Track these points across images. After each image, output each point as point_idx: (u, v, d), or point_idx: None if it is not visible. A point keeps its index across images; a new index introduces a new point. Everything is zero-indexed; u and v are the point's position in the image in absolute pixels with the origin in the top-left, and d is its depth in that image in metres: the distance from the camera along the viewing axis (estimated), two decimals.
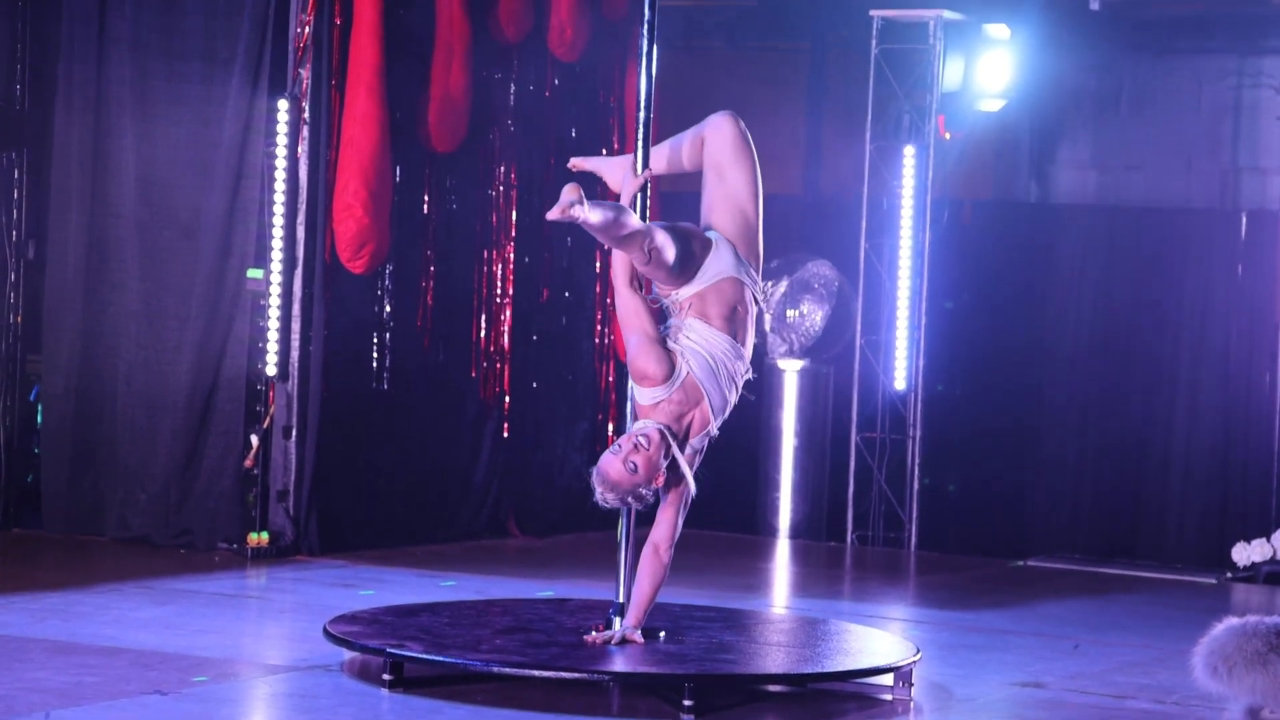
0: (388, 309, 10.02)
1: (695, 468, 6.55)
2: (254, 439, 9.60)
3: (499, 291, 10.57)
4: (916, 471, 11.36)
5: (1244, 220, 11.93)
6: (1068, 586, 10.03)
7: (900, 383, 11.40)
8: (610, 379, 11.04)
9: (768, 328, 11.56)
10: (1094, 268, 12.33)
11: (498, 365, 10.58)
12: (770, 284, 11.60)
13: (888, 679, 6.72)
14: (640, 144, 6.77)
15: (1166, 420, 12.01)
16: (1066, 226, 12.46)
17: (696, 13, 12.67)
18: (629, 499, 6.45)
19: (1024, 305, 12.36)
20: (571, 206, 6.03)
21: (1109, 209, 12.51)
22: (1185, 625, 7.89)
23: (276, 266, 9.53)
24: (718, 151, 6.55)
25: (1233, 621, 6.00)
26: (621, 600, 6.78)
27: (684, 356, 6.45)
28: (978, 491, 12.24)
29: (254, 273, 9.57)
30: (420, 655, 6.46)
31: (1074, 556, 11.28)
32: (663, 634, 6.79)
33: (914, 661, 6.75)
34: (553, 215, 6.10)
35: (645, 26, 6.87)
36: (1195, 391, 11.97)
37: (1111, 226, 12.36)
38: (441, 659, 6.44)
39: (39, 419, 10.08)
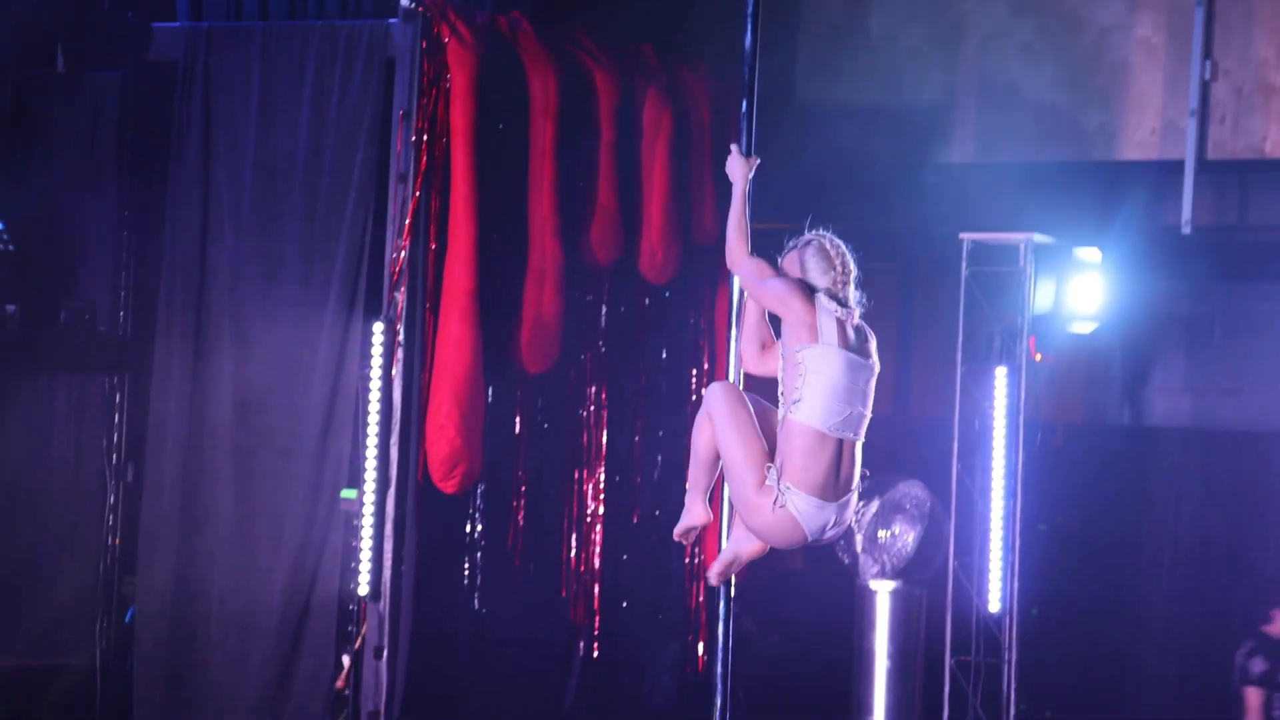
0: (479, 529, 10.06)
1: None
2: (345, 659, 9.61)
3: (589, 511, 10.60)
4: (1013, 696, 11.18)
5: None
6: None
7: (994, 605, 11.27)
8: (700, 599, 11.00)
9: (859, 548, 11.50)
10: (1190, 491, 12.23)
11: (588, 585, 10.57)
12: (862, 504, 11.57)
13: None
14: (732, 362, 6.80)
15: None
16: (1161, 450, 12.39)
17: (786, 234, 12.79)
18: None
19: (1119, 528, 12.25)
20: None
21: (1204, 433, 12.43)
22: None
23: (370, 486, 9.60)
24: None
25: None
26: None
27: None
28: (1076, 717, 12.03)
29: (348, 493, 9.65)
30: None
31: None
32: None
33: None
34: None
35: None
36: None
37: (1207, 451, 12.28)
38: None
39: (134, 640, 10.14)
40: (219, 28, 10.03)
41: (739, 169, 6.44)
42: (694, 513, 6.59)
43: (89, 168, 10.10)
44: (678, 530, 6.70)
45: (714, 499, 6.68)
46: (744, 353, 6.58)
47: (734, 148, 6.48)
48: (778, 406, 6.32)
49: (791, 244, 6.45)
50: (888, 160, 12.13)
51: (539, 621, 10.35)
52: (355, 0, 10.40)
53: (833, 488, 6.27)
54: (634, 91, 10.61)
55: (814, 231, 6.45)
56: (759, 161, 6.48)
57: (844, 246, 6.42)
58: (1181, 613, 12.10)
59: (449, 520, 9.91)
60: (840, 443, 6.27)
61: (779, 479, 6.22)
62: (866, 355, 6.38)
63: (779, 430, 6.29)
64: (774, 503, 6.22)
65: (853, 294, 6.40)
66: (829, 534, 6.39)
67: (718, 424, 6.41)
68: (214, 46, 9.92)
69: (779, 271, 6.36)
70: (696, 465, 6.54)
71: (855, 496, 6.43)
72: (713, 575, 6.48)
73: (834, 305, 6.31)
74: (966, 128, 12.29)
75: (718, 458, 6.46)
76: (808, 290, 6.29)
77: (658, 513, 10.97)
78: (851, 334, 6.32)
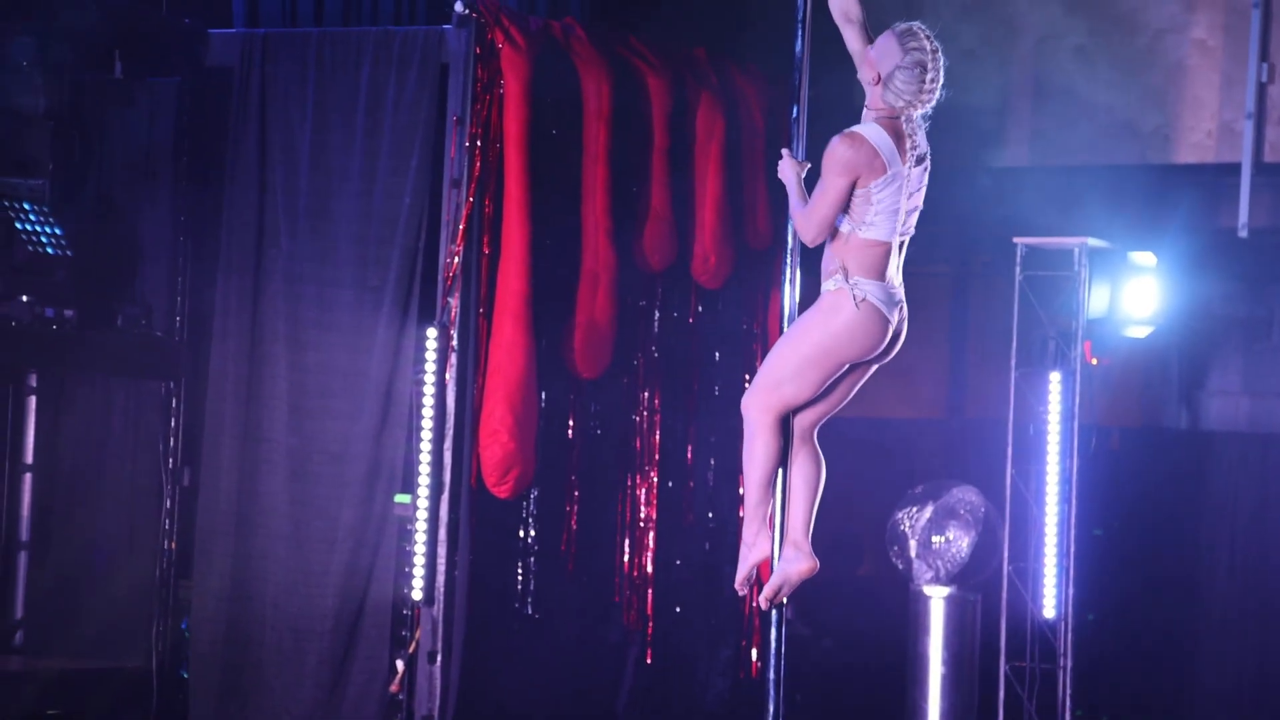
0: (532, 533, 10.08)
1: None
2: (399, 664, 9.63)
3: (642, 516, 10.61)
4: (1069, 703, 11.13)
5: None
6: None
7: (1049, 611, 11.22)
8: (754, 604, 10.98)
9: (913, 554, 11.47)
10: (1248, 496, 12.17)
11: (641, 590, 10.58)
12: (915, 509, 11.55)
13: None
14: None
15: None
16: (1218, 454, 12.32)
17: None
18: None
19: (1175, 533, 12.19)
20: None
21: (1263, 437, 12.36)
22: None
23: (423, 491, 9.62)
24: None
25: None
26: None
27: None
28: None
29: (401, 498, 9.68)
30: None
31: None
32: None
33: None
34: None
35: (789, 254, 6.93)
36: None
37: (1264, 454, 12.21)
38: None
39: (190, 643, 10.19)
40: (274, 34, 10.08)
41: (791, 172, 6.40)
42: (761, 547, 6.54)
43: (146, 173, 10.15)
44: (742, 576, 6.62)
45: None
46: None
47: (785, 152, 6.45)
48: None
49: (893, 35, 6.21)
50: (942, 163, 12.01)
51: (592, 626, 10.36)
52: (409, 6, 10.43)
53: (890, 271, 6.28)
54: (687, 96, 10.61)
55: (919, 31, 6.22)
56: (809, 165, 6.44)
57: (942, 59, 6.26)
58: (1240, 618, 12.03)
59: (502, 525, 9.93)
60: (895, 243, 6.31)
61: (846, 278, 6.22)
62: (923, 155, 6.31)
63: (839, 240, 6.27)
64: (854, 300, 6.21)
65: (918, 107, 6.26)
66: (900, 317, 6.32)
67: (767, 383, 6.35)
68: (270, 53, 9.97)
69: (832, 168, 6.22)
70: (754, 487, 6.50)
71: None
72: (763, 599, 6.46)
73: (891, 138, 6.22)
74: (1020, 130, 12.25)
75: (776, 474, 6.43)
76: (864, 153, 6.19)
77: (710, 517, 10.97)
78: (910, 141, 6.26)
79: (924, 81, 6.22)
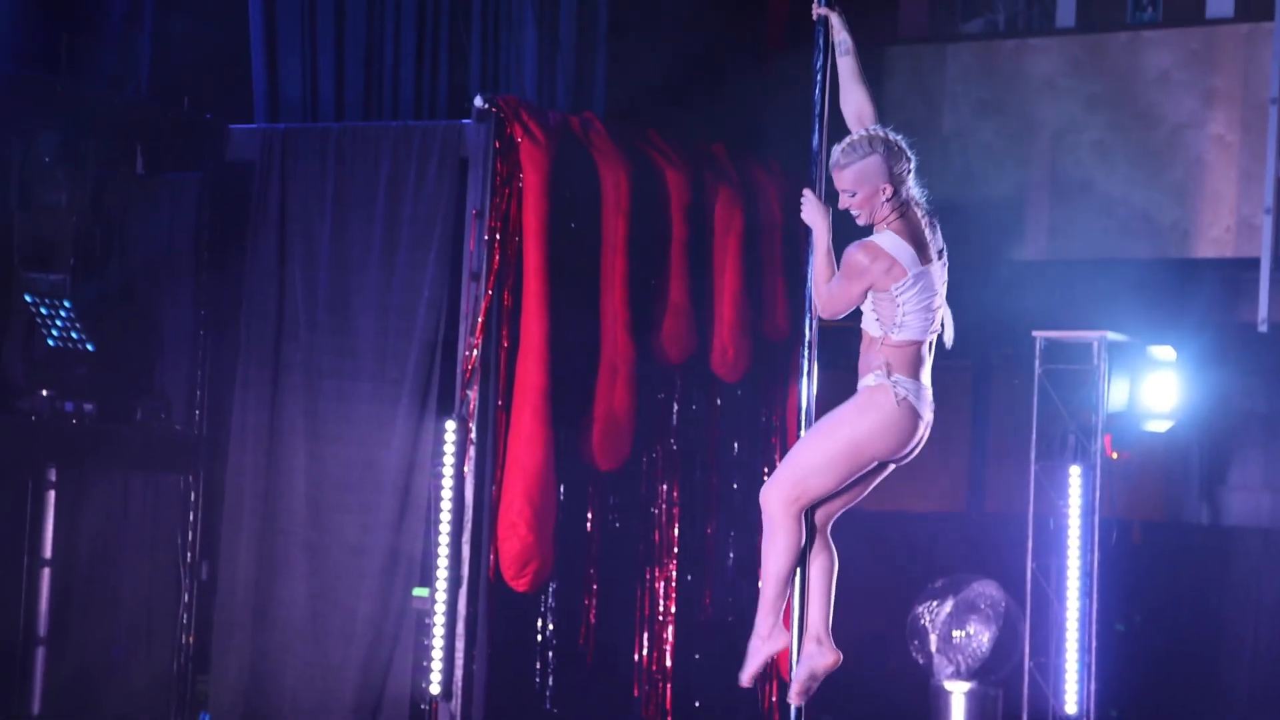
0: (550, 627, 10.04)
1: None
2: None
3: (661, 610, 10.57)
4: None
5: None
6: None
7: (1071, 707, 11.15)
8: (773, 699, 10.93)
9: (933, 648, 11.40)
10: (1270, 591, 12.10)
11: (660, 684, 10.52)
12: (935, 603, 11.49)
13: None
14: None
15: None
16: (1239, 549, 12.27)
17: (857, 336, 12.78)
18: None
19: (1197, 628, 12.11)
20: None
21: None
22: None
23: (441, 585, 9.60)
24: None
25: None
26: None
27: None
28: None
29: (420, 591, 9.66)
30: None
31: None
32: None
33: None
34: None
35: (807, 347, 6.94)
36: None
37: None
38: None
39: None
40: (295, 129, 10.15)
41: (819, 214, 6.34)
42: (778, 640, 6.50)
43: (166, 267, 10.20)
44: (753, 669, 6.57)
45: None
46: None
47: (808, 193, 6.40)
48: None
49: (849, 155, 6.24)
50: (960, 256, 12.06)
51: None
52: (429, 101, 10.50)
53: (924, 370, 6.31)
54: (705, 189, 10.65)
55: (852, 137, 6.29)
56: (833, 209, 6.41)
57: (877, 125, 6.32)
58: (1263, 714, 11.93)
59: (520, 618, 9.89)
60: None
61: (888, 374, 6.22)
62: (940, 249, 6.33)
63: (875, 342, 6.28)
64: (894, 398, 6.21)
65: (916, 188, 6.35)
66: (930, 412, 6.33)
67: (792, 476, 6.33)
68: (290, 147, 10.03)
69: (849, 273, 6.26)
70: (773, 581, 6.46)
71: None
72: (794, 695, 6.42)
73: (907, 241, 6.24)
74: (1039, 224, 12.28)
75: (795, 568, 6.41)
76: (880, 262, 6.22)
77: (730, 618, 10.91)
78: (926, 237, 6.30)
79: (902, 150, 6.30)
